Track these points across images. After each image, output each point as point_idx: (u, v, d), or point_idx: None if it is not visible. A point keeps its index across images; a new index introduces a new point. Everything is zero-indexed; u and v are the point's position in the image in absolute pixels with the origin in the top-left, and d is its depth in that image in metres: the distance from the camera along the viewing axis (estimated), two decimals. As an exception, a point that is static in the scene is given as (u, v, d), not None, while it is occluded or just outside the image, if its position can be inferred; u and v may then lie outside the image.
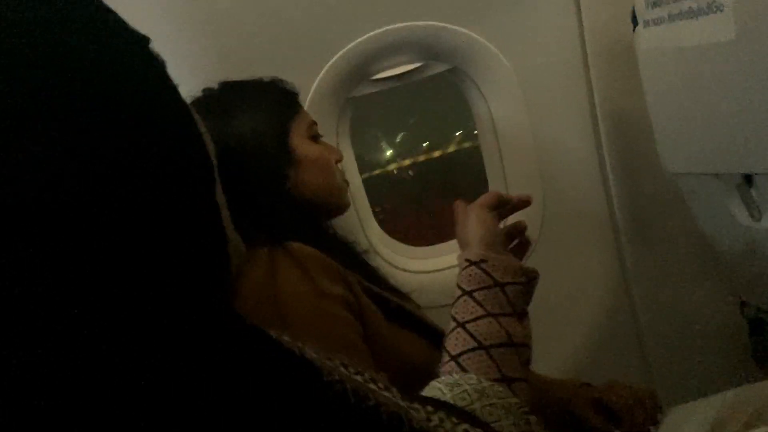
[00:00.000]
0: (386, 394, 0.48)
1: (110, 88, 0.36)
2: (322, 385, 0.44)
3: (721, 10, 0.88)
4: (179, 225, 0.38)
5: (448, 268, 1.45)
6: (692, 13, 0.92)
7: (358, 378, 0.47)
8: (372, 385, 0.48)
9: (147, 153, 0.37)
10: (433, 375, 0.97)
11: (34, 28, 0.35)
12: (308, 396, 0.43)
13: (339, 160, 1.09)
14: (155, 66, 0.40)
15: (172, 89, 0.41)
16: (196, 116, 0.42)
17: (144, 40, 0.40)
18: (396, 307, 1.01)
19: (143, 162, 0.36)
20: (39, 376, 0.35)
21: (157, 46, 0.41)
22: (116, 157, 0.35)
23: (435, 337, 1.02)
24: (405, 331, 1.00)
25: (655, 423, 1.02)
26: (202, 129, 0.43)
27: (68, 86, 0.35)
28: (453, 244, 1.50)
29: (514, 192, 1.41)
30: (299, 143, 1.04)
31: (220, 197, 0.43)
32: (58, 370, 0.35)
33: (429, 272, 1.45)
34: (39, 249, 0.34)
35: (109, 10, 0.39)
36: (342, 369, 0.46)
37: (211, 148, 0.43)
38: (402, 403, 0.47)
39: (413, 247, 1.52)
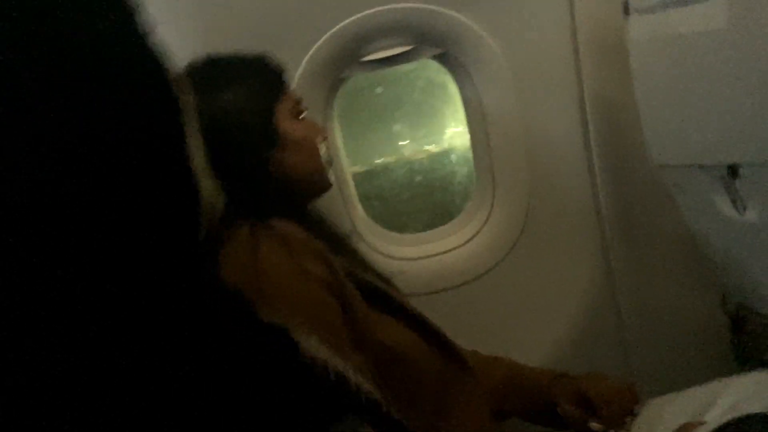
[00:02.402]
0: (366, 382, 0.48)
1: (71, 27, 0.35)
2: (303, 362, 0.43)
3: (714, -1, 0.88)
4: (145, 171, 0.37)
5: (431, 255, 1.45)
6: (684, 1, 0.91)
7: (340, 362, 0.47)
8: (353, 374, 0.48)
9: (108, 96, 0.36)
10: (411, 359, 0.97)
11: None
12: (289, 371, 0.42)
13: (324, 138, 1.08)
14: (122, 10, 0.38)
15: (139, 33, 0.39)
16: (168, 66, 0.41)
17: None
18: (377, 292, 1.00)
19: (105, 106, 0.35)
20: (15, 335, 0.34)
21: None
22: (71, 98, 0.34)
23: (414, 323, 1.02)
24: (385, 316, 0.99)
25: (633, 414, 1.02)
26: (178, 81, 0.41)
27: (25, 29, 0.33)
28: (437, 231, 1.50)
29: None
30: (284, 123, 1.02)
31: (196, 150, 0.42)
32: (29, 327, 0.34)
33: (412, 259, 1.44)
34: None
35: None
36: (325, 350, 0.46)
37: (187, 101, 0.41)
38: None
39: (398, 234, 1.51)
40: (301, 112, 1.07)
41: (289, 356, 0.44)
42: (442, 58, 1.40)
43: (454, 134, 1.78)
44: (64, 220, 0.34)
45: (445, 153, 1.73)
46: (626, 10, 1.08)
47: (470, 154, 1.48)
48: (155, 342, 0.38)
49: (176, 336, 0.39)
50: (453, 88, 1.47)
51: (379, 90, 1.73)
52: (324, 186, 1.09)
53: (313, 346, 0.46)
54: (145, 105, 0.37)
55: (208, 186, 0.43)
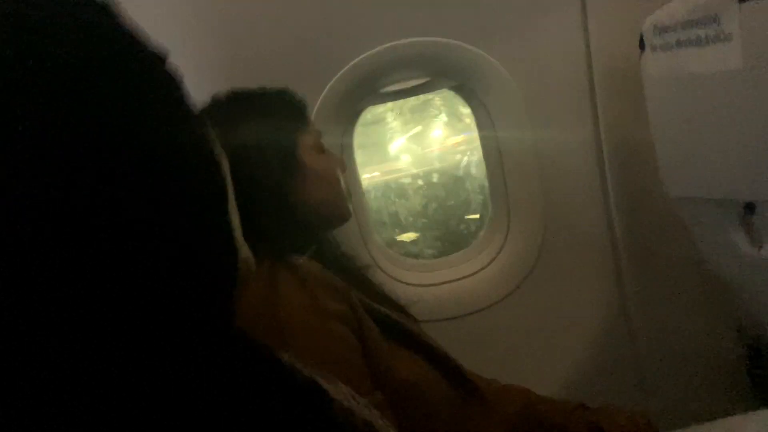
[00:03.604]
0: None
1: (121, 108, 0.36)
2: (331, 413, 0.44)
3: (729, 40, 0.89)
4: (191, 243, 0.38)
5: (446, 282, 1.45)
6: (700, 41, 0.92)
7: (366, 409, 0.47)
8: (380, 420, 0.48)
9: (159, 172, 0.37)
10: (427, 393, 0.98)
11: (43, 51, 0.34)
12: (317, 423, 0.43)
13: (343, 171, 1.09)
14: (170, 85, 0.40)
15: (187, 108, 0.41)
16: (210, 132, 0.42)
17: (160, 58, 0.40)
18: (393, 325, 1.01)
19: (155, 181, 0.36)
20: (44, 396, 0.35)
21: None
22: (127, 177, 0.35)
23: (430, 355, 1.02)
24: (402, 349, 1.00)
25: (650, 448, 1.02)
26: (216, 144, 0.42)
27: (78, 108, 0.34)
28: (451, 258, 1.51)
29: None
30: (306, 156, 1.04)
31: (233, 213, 0.43)
32: (58, 391, 0.35)
33: (428, 286, 1.45)
34: (49, 265, 0.34)
35: (122, 28, 0.39)
36: (351, 398, 0.46)
37: (224, 164, 0.43)
38: None
39: (413, 260, 1.52)
40: (322, 144, 1.09)
41: (320, 407, 0.44)
42: (459, 89, 1.41)
43: (470, 163, 1.79)
44: (103, 287, 0.35)
45: (461, 181, 1.74)
46: (642, 47, 1.09)
47: (486, 183, 1.49)
48: (181, 394, 0.38)
49: (199, 386, 0.39)
50: (469, 118, 1.49)
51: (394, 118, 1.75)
52: (344, 216, 1.11)
53: (345, 396, 0.46)
54: (191, 178, 0.39)
55: (245, 248, 0.45)
